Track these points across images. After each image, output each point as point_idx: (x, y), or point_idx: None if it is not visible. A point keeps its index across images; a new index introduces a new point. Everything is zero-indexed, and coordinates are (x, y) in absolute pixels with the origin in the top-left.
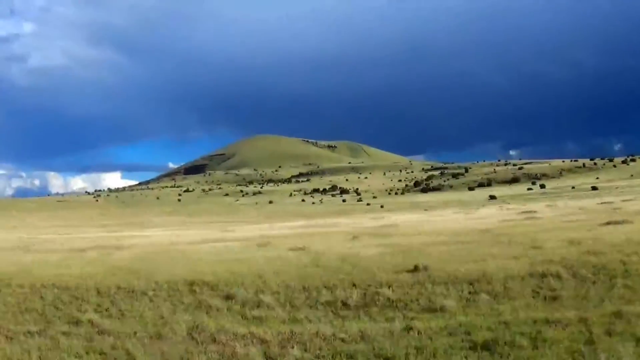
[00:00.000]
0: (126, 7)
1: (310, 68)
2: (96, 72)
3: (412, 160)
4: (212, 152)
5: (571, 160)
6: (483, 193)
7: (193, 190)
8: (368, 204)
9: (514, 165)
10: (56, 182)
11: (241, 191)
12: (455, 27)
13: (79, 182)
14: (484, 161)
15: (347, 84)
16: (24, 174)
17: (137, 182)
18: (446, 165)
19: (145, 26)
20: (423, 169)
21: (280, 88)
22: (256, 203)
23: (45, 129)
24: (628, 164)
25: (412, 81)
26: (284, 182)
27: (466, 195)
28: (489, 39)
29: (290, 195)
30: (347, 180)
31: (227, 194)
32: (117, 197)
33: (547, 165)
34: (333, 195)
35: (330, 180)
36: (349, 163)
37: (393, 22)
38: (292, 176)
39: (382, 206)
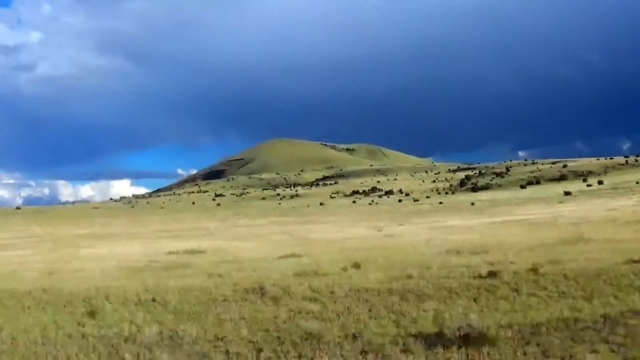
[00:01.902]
0: (135, 14)
1: (322, 72)
2: (104, 80)
3: (435, 162)
4: (230, 157)
5: (606, 158)
6: (546, 190)
7: (226, 195)
8: (440, 203)
9: (553, 164)
10: (65, 190)
11: (278, 194)
12: (465, 29)
13: (88, 190)
14: (510, 161)
15: (359, 87)
16: (33, 183)
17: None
18: (472, 165)
19: (154, 34)
20: (449, 169)
21: (291, 93)
22: (308, 205)
23: (54, 138)
24: None
25: (421, 83)
26: (311, 186)
27: (527, 192)
28: (497, 40)
29: (331, 197)
30: (378, 182)
31: (264, 198)
32: (147, 202)
33: (588, 162)
34: (380, 196)
35: (362, 183)
36: (371, 165)
37: (404, 24)
38: (317, 179)
39: (472, 203)
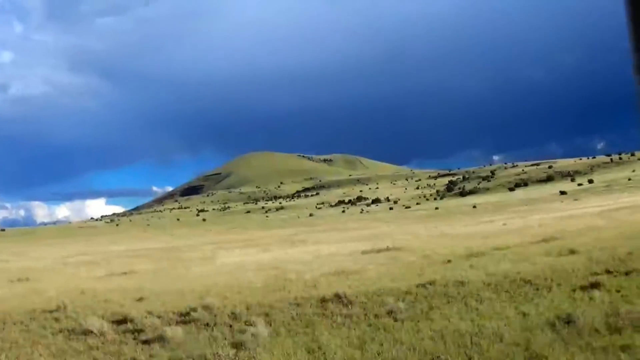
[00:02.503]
0: (105, 31)
1: (294, 84)
2: (77, 99)
3: (413, 170)
4: (207, 173)
5: (588, 158)
6: (538, 192)
7: (208, 210)
8: (437, 208)
9: (537, 165)
10: (41, 211)
11: (262, 207)
12: (436, 36)
13: (64, 211)
14: (490, 165)
15: (332, 98)
16: (8, 205)
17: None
18: (452, 171)
19: (125, 51)
20: (430, 176)
21: (264, 106)
22: (298, 217)
23: (29, 159)
24: None
25: (395, 92)
26: (292, 197)
27: (517, 195)
28: (468, 47)
29: (317, 208)
30: (361, 191)
31: (248, 211)
32: (130, 220)
33: (572, 162)
34: (367, 205)
35: (344, 193)
36: (350, 175)
37: (375, 35)
38: (298, 191)
39: (474, 206)
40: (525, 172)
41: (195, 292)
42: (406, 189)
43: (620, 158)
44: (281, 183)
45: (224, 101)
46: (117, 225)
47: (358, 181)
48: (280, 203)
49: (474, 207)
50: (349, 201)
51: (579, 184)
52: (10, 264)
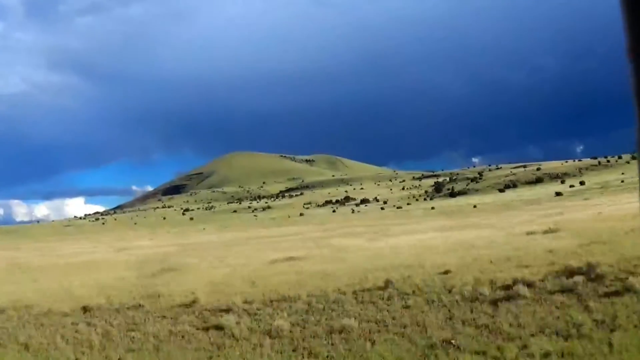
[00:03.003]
0: (85, 30)
1: (275, 85)
2: (56, 98)
3: (397, 171)
4: (189, 172)
5: (574, 160)
6: (532, 192)
7: (194, 209)
8: (433, 208)
9: (524, 167)
10: (20, 210)
11: (249, 207)
12: (414, 38)
13: (43, 209)
14: (474, 167)
15: (314, 98)
16: None
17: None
18: (436, 172)
19: (105, 50)
20: (414, 177)
21: (245, 106)
22: (289, 216)
23: (7, 157)
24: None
25: (374, 94)
26: (276, 197)
27: (512, 195)
28: (449, 49)
29: (305, 208)
30: (346, 191)
31: (235, 211)
32: (115, 219)
33: (559, 165)
34: (357, 205)
35: (329, 193)
36: (333, 176)
37: (355, 35)
38: (281, 191)
39: (475, 206)
40: (514, 174)
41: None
42: (392, 189)
43: (607, 161)
44: (264, 183)
45: (204, 101)
46: (103, 223)
47: (342, 181)
48: (266, 202)
49: (475, 206)
50: (337, 201)
51: (571, 185)
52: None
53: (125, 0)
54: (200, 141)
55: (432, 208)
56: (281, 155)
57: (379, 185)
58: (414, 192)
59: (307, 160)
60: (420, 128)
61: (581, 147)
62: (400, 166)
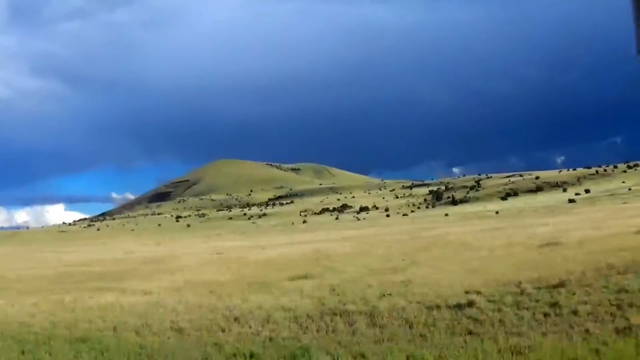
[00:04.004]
0: (69, 36)
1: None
2: (39, 104)
3: (384, 180)
4: (173, 180)
5: (568, 170)
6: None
7: (186, 216)
8: (446, 214)
9: (521, 175)
10: (0, 216)
11: (244, 214)
12: (398, 47)
13: (23, 216)
14: (464, 176)
15: (296, 108)
16: None
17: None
18: (426, 182)
19: (88, 56)
20: (403, 186)
21: (229, 114)
22: (292, 223)
23: None
24: (636, 169)
25: (357, 103)
26: (267, 205)
27: (519, 202)
28: (431, 59)
29: (302, 215)
30: (338, 199)
31: (230, 218)
32: (107, 226)
33: (556, 173)
34: (357, 212)
35: (322, 201)
36: (320, 184)
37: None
38: (270, 199)
39: (497, 212)
40: (513, 182)
41: None
42: (384, 197)
43: (604, 170)
44: (251, 191)
45: (186, 109)
46: (98, 229)
47: (331, 190)
48: (261, 210)
49: (497, 212)
50: (334, 209)
51: (577, 193)
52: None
53: (110, 5)
54: (182, 149)
55: (446, 214)
56: (267, 164)
57: (369, 193)
58: (411, 200)
59: (293, 169)
60: (401, 137)
61: (562, 158)
62: (381, 175)
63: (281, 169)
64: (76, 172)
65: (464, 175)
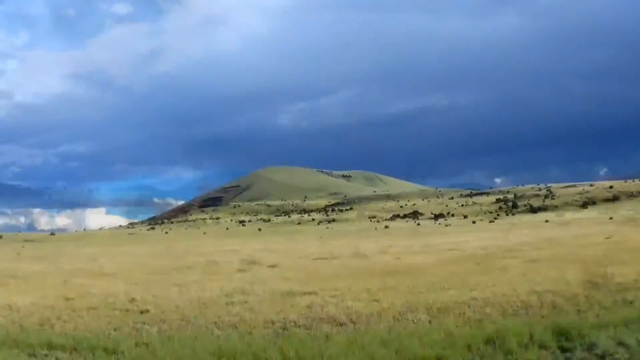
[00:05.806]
0: (113, 43)
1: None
2: (80, 108)
3: (440, 188)
4: (225, 185)
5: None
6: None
7: (249, 221)
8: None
9: (591, 185)
10: (42, 218)
11: (313, 219)
12: (443, 57)
13: (63, 219)
14: (523, 186)
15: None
16: (9, 211)
17: (123, 218)
18: (485, 191)
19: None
20: (461, 194)
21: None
22: (375, 228)
23: None
24: None
25: (402, 112)
26: (325, 211)
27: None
28: (476, 69)
29: (371, 220)
30: (401, 207)
31: (299, 223)
32: (170, 229)
33: (624, 183)
34: (436, 219)
35: (383, 207)
36: (374, 192)
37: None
38: (327, 205)
39: (611, 218)
40: (588, 192)
41: None
42: (447, 205)
43: None
44: (305, 197)
45: (231, 116)
46: (166, 233)
47: (388, 197)
48: (328, 215)
49: (611, 218)
50: (404, 215)
51: None
52: None
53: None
54: (225, 156)
55: (546, 221)
56: (318, 170)
57: (429, 201)
58: (475, 208)
59: (344, 176)
60: (442, 146)
61: (604, 170)
62: (425, 183)
63: (332, 176)
64: (117, 177)
65: (522, 185)
